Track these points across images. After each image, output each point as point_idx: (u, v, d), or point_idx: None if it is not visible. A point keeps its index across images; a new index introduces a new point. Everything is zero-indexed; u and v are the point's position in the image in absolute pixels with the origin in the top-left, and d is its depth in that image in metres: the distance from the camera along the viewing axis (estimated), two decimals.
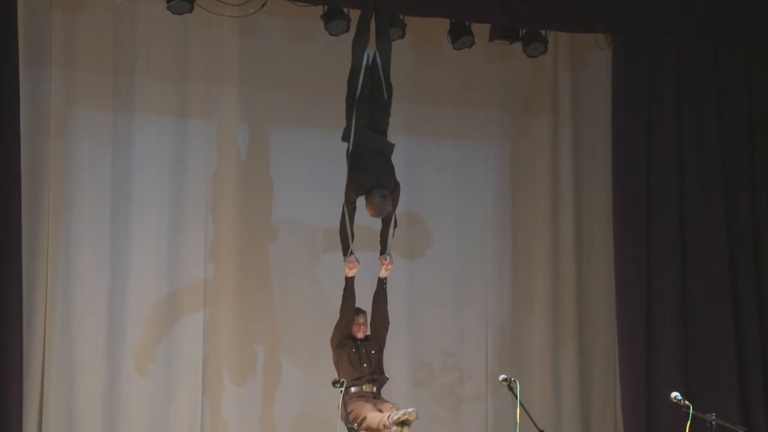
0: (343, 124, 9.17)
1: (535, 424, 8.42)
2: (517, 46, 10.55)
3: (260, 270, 10.42)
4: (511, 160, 11.22)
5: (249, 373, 10.30)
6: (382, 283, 9.05)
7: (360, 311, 9.03)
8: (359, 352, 8.88)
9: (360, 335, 8.95)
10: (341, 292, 9.12)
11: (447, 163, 11.03)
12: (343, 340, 8.89)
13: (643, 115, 10.88)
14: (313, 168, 10.48)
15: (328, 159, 10.00)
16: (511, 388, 8.47)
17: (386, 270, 9.02)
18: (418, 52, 10.84)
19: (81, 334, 9.81)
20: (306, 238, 10.54)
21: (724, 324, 10.78)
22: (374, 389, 8.83)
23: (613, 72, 10.87)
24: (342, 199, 9.01)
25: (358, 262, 8.91)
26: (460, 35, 10.32)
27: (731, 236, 10.91)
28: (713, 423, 8.63)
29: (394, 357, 10.12)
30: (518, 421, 8.40)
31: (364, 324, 9.01)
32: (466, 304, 10.96)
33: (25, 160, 9.47)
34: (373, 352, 8.92)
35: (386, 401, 8.77)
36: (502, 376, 8.61)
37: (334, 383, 8.37)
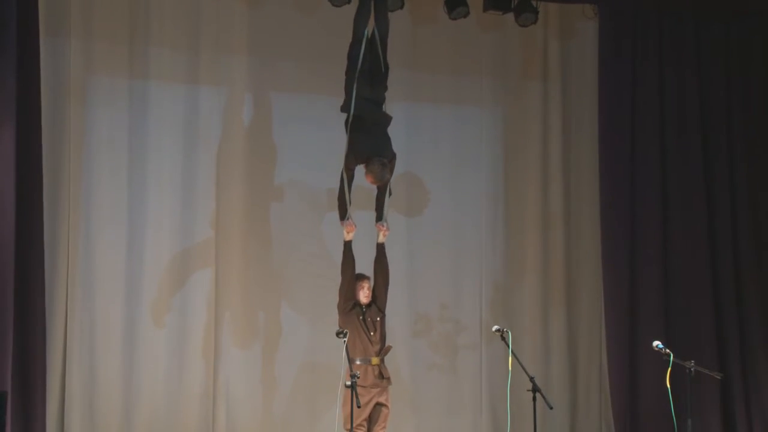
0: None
1: (525, 371, 8.77)
2: (509, 16, 10.78)
3: (267, 228, 10.66)
4: (503, 124, 11.43)
5: (257, 323, 10.57)
6: (381, 248, 9.23)
7: (364, 276, 9.19)
8: (366, 318, 9.08)
9: (365, 300, 9.12)
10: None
11: (443, 127, 11.25)
12: (348, 304, 9.07)
13: (628, 80, 11.26)
14: (316, 132, 10.64)
15: (331, 123, 10.05)
16: (503, 338, 8.87)
17: (383, 236, 9.21)
18: (416, 23, 11.07)
19: (101, 289, 10.11)
20: (310, 198, 10.75)
21: (703, 275, 11.23)
22: (380, 363, 9.03)
23: (600, 40, 11.23)
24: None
25: (356, 226, 9.09)
26: (455, 6, 10.52)
27: (710, 203, 11.34)
28: (692, 369, 9.04)
29: (395, 309, 10.34)
30: (510, 368, 8.85)
31: (369, 289, 9.17)
32: (462, 260, 11.21)
33: (47, 125, 9.77)
34: (378, 318, 9.13)
35: (384, 411, 9.04)
36: (495, 327, 9.02)
37: (337, 334, 8.64)
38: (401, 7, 10.27)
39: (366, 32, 9.35)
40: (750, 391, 11.18)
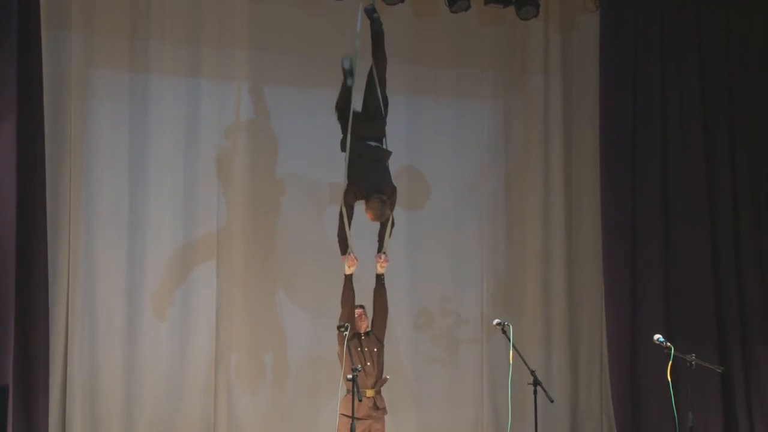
0: None
1: (526, 364, 8.82)
2: (511, 9, 10.78)
3: (269, 221, 10.69)
4: (504, 117, 11.43)
5: (259, 317, 10.58)
6: (380, 279, 9.21)
7: (360, 306, 9.19)
8: (363, 349, 9.05)
9: (362, 329, 9.13)
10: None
11: (445, 121, 11.24)
12: (348, 334, 8.94)
13: (629, 73, 11.29)
14: (318, 125, 10.59)
15: (333, 116, 9.90)
16: (504, 332, 8.91)
17: (382, 267, 9.17)
18: (418, 16, 11.08)
19: (103, 282, 10.13)
20: (312, 191, 10.79)
21: (704, 271, 11.26)
22: (375, 394, 8.99)
23: (601, 33, 11.26)
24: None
25: (357, 260, 9.06)
26: None
27: (711, 198, 11.37)
28: (693, 363, 9.01)
29: (396, 303, 10.39)
30: (511, 362, 8.89)
31: (366, 317, 9.18)
32: (463, 253, 11.22)
33: (48, 118, 9.79)
34: (375, 349, 9.10)
35: None
36: (496, 321, 9.06)
37: (339, 327, 8.74)
38: (402, 1, 10.30)
39: (354, 80, 9.35)
40: (751, 385, 11.21)
